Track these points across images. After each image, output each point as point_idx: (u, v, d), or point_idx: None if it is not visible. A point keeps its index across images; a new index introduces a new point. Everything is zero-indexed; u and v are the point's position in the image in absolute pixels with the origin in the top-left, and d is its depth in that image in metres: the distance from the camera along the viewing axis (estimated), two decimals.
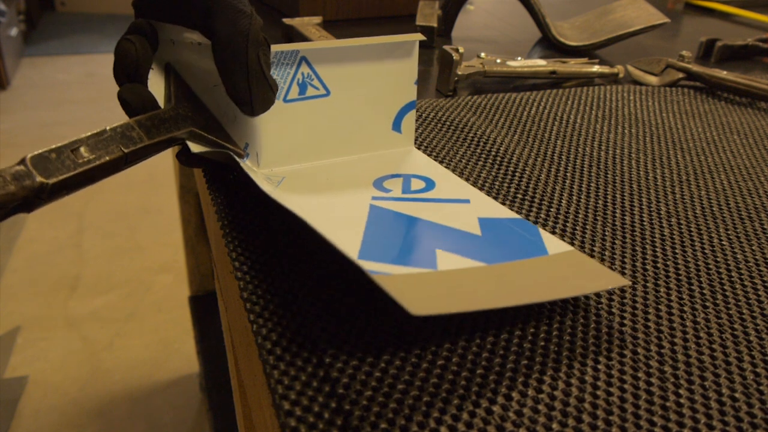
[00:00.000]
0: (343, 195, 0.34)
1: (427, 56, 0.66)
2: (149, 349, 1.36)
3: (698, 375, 0.24)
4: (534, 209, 0.35)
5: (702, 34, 0.73)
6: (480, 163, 0.40)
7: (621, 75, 0.59)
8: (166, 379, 1.29)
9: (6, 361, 1.30)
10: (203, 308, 1.24)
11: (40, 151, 0.27)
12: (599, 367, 0.24)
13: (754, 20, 0.91)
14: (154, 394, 1.26)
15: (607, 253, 0.32)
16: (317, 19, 0.68)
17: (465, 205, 0.33)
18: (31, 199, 0.27)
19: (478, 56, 0.58)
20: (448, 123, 0.46)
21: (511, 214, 0.32)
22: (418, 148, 0.41)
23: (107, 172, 0.30)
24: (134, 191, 1.96)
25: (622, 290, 0.29)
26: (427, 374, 0.23)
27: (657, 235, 0.34)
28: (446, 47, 0.53)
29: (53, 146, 0.28)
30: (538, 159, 0.42)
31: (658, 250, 0.33)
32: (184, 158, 0.34)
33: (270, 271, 0.28)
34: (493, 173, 0.39)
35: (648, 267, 0.31)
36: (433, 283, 0.25)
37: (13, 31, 2.79)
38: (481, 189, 0.37)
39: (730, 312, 0.28)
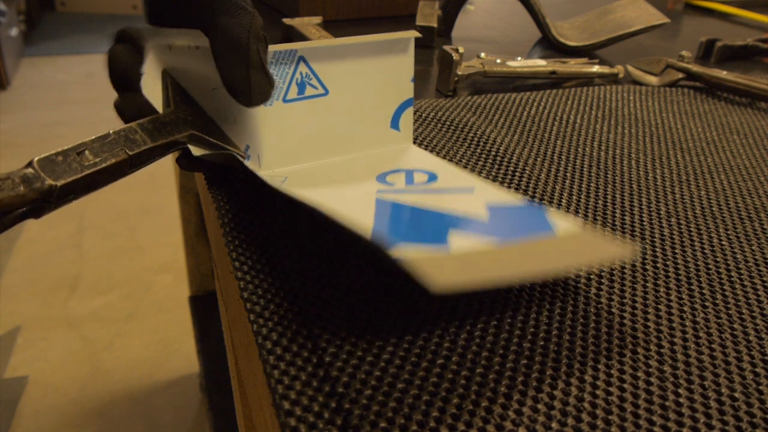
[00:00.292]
0: (347, 189, 0.34)
1: (427, 56, 0.66)
2: (149, 349, 1.36)
3: (698, 375, 0.24)
4: None
5: (702, 34, 0.73)
6: (480, 163, 0.40)
7: (621, 75, 0.59)
8: (166, 379, 1.29)
9: (6, 361, 1.30)
10: (203, 308, 1.24)
11: (46, 154, 0.28)
12: (599, 366, 0.24)
13: (754, 20, 0.91)
14: (154, 394, 1.26)
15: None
16: (317, 19, 0.68)
17: (470, 194, 0.33)
18: (40, 202, 0.27)
19: (478, 56, 0.58)
20: (448, 123, 0.46)
21: (517, 199, 0.33)
22: (418, 147, 0.41)
23: (113, 176, 0.30)
24: (134, 191, 1.96)
25: (622, 290, 0.29)
26: (427, 373, 0.23)
27: (657, 235, 0.34)
28: (446, 47, 0.53)
29: (59, 150, 0.28)
30: (538, 159, 0.42)
31: (657, 250, 0.33)
32: (185, 162, 0.34)
33: (270, 271, 0.28)
34: (493, 173, 0.39)
35: (648, 267, 0.31)
36: (448, 261, 0.25)
37: (13, 31, 2.79)
38: (480, 179, 0.37)
39: (730, 312, 0.28)
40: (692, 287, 0.30)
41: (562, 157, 0.42)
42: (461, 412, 0.22)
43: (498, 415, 0.22)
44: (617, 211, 0.36)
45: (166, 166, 2.00)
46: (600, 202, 0.37)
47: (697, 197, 0.38)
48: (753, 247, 0.33)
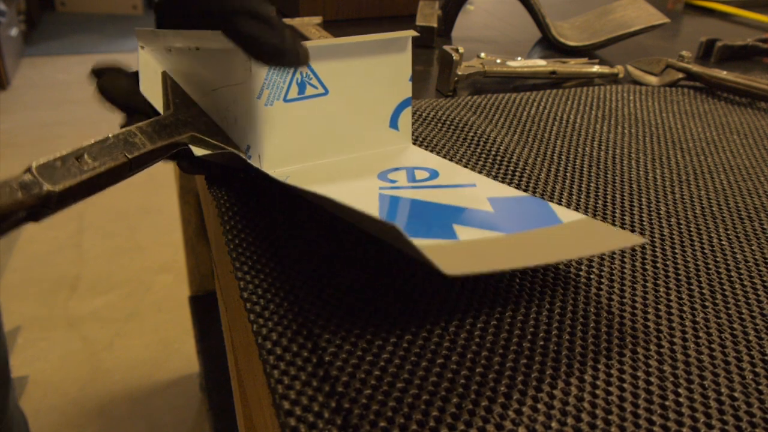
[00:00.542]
0: (350, 186, 0.34)
1: (427, 56, 0.66)
2: (149, 349, 1.36)
3: (697, 374, 0.24)
4: None
5: (702, 34, 0.73)
6: (480, 162, 0.40)
7: (621, 75, 0.59)
8: (166, 379, 1.29)
9: None
10: (203, 308, 1.24)
11: (45, 159, 0.28)
12: (599, 366, 0.24)
13: (754, 20, 0.91)
14: (154, 394, 1.26)
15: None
16: (317, 19, 0.68)
17: (472, 189, 0.34)
18: (39, 208, 0.27)
19: (478, 56, 0.58)
20: (448, 123, 0.46)
21: (520, 193, 0.33)
22: (418, 147, 0.41)
23: (112, 179, 0.30)
24: (134, 191, 1.96)
25: (622, 290, 0.29)
26: (427, 373, 0.23)
27: (657, 235, 0.34)
28: (446, 47, 0.53)
29: (57, 154, 0.28)
30: (538, 159, 0.42)
31: (657, 250, 0.33)
32: (186, 165, 0.34)
33: (270, 271, 0.28)
34: (494, 173, 0.39)
35: (648, 267, 0.31)
36: (459, 249, 0.25)
37: (13, 31, 2.79)
38: (481, 175, 0.37)
39: (730, 312, 0.28)
40: (692, 287, 0.30)
41: (562, 156, 0.42)
42: (461, 411, 0.22)
43: (498, 414, 0.22)
44: (617, 211, 0.36)
45: (165, 167, 2.00)
46: (600, 202, 0.37)
47: (697, 197, 0.38)
48: (753, 247, 0.33)
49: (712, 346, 0.26)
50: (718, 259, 0.32)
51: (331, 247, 0.30)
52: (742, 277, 0.31)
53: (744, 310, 0.28)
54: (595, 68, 0.59)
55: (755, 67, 0.66)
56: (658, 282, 0.30)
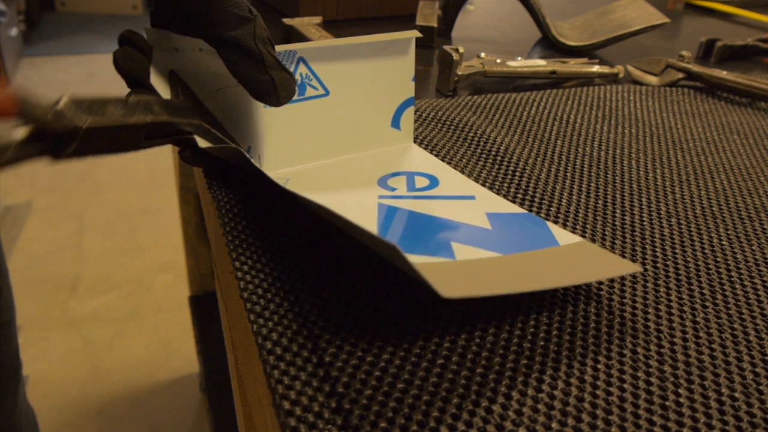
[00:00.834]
0: (349, 194, 0.34)
1: (427, 56, 0.66)
2: (149, 349, 1.36)
3: (698, 375, 0.24)
4: (534, 209, 0.35)
5: (702, 34, 0.73)
6: (480, 162, 0.40)
7: (621, 75, 0.59)
8: (166, 379, 1.29)
9: None
10: (203, 308, 1.24)
11: (76, 96, 0.28)
12: (599, 366, 0.24)
13: (754, 20, 0.91)
14: (154, 394, 1.26)
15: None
16: (317, 19, 0.68)
17: (471, 202, 0.34)
18: (62, 141, 0.27)
19: (478, 56, 0.58)
20: (448, 123, 0.46)
21: (518, 209, 0.33)
22: (419, 146, 0.41)
23: (130, 140, 0.30)
24: (134, 191, 1.96)
25: (622, 290, 0.29)
26: (427, 373, 0.23)
27: (657, 235, 0.34)
28: (446, 47, 0.53)
29: (88, 96, 0.28)
30: (539, 159, 0.42)
31: (658, 250, 0.33)
32: (189, 154, 0.35)
33: (270, 271, 0.28)
34: (494, 173, 0.39)
35: (648, 267, 0.31)
36: (456, 270, 0.25)
37: (13, 31, 2.79)
38: (481, 186, 0.37)
39: (730, 312, 0.28)
40: (692, 287, 0.30)
41: (563, 156, 0.42)
42: (461, 412, 0.22)
43: (498, 415, 0.22)
44: (617, 211, 0.36)
45: (166, 166, 2.00)
46: (600, 202, 0.37)
47: (697, 197, 0.38)
48: (753, 247, 0.33)
49: (713, 346, 0.26)
50: (718, 259, 0.32)
51: (331, 247, 0.30)
52: (742, 277, 0.31)
53: (744, 310, 0.28)
54: (595, 68, 0.59)
55: (755, 67, 0.66)
56: (658, 282, 0.30)
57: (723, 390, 0.24)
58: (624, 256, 0.32)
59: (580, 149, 0.44)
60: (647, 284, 0.30)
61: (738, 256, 0.33)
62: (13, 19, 2.79)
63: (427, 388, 0.23)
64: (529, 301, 0.27)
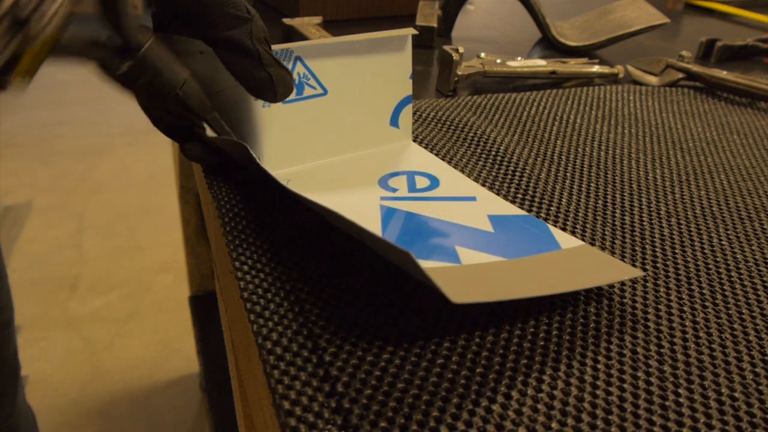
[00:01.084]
0: (351, 195, 0.34)
1: (427, 56, 0.66)
2: (149, 349, 1.36)
3: (698, 375, 0.24)
4: (534, 208, 0.35)
5: (702, 34, 0.73)
6: (480, 162, 0.40)
7: (621, 75, 0.59)
8: (166, 379, 1.29)
9: None
10: (203, 308, 1.24)
11: (144, 24, 0.30)
12: (599, 366, 0.24)
13: (754, 20, 0.91)
14: (154, 394, 1.26)
15: (606, 252, 0.32)
16: (317, 19, 0.68)
17: (472, 203, 0.34)
18: (125, 53, 0.28)
19: (478, 56, 0.58)
20: (448, 123, 0.46)
21: (519, 211, 0.33)
22: (418, 145, 0.41)
23: (164, 91, 0.31)
24: (134, 191, 1.96)
25: (622, 290, 0.29)
26: (427, 373, 0.23)
27: (657, 235, 0.34)
28: (446, 47, 0.53)
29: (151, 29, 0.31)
30: (539, 159, 0.42)
31: (657, 250, 0.33)
32: (193, 148, 0.35)
33: (270, 271, 0.28)
34: (494, 173, 0.39)
35: (648, 267, 0.31)
36: (464, 275, 0.25)
37: None
38: (481, 186, 0.37)
39: (730, 312, 0.28)
40: (692, 287, 0.30)
41: (562, 156, 0.42)
42: (461, 411, 0.22)
43: (498, 414, 0.22)
44: (617, 211, 0.36)
45: (166, 166, 2.00)
46: (600, 202, 0.37)
47: (697, 197, 0.38)
48: (753, 247, 0.33)
49: (713, 346, 0.26)
50: (718, 259, 0.32)
51: (331, 247, 0.30)
52: (742, 277, 0.31)
53: (744, 310, 0.28)
54: (595, 68, 0.59)
55: (755, 67, 0.66)
56: (658, 282, 0.30)
57: (723, 390, 0.24)
58: (624, 256, 0.32)
59: (580, 149, 0.44)
60: (647, 284, 0.30)
61: (738, 256, 0.33)
62: None
63: (427, 388, 0.23)
64: (528, 302, 0.27)
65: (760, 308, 0.28)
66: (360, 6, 0.78)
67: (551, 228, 0.31)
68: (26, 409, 0.73)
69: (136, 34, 0.29)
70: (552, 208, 0.36)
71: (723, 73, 0.57)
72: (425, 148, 0.42)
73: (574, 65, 0.59)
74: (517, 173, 0.39)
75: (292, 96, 0.35)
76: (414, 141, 0.42)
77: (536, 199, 0.36)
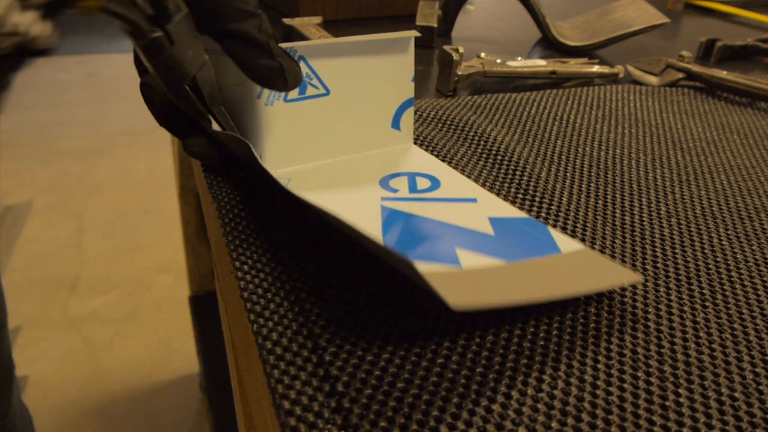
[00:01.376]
0: (352, 195, 0.34)
1: (427, 56, 0.66)
2: (149, 349, 1.36)
3: (698, 375, 0.24)
4: (534, 208, 0.35)
5: (702, 34, 0.73)
6: (481, 162, 0.40)
7: (621, 75, 0.60)
8: (166, 379, 1.29)
9: None
10: (203, 308, 1.24)
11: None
12: (599, 366, 0.24)
13: (754, 20, 0.91)
14: (154, 394, 1.26)
15: (607, 252, 0.32)
16: (317, 19, 0.68)
17: (473, 205, 0.34)
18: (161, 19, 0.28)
19: (478, 56, 0.58)
20: (448, 122, 0.46)
21: (519, 213, 0.33)
22: (419, 147, 0.41)
23: (181, 76, 0.31)
24: (134, 191, 1.96)
25: (622, 290, 0.29)
26: (427, 373, 0.23)
27: (657, 235, 0.34)
28: (446, 47, 0.53)
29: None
30: (539, 158, 0.42)
31: (657, 250, 0.33)
32: (198, 142, 0.35)
33: (270, 271, 0.28)
34: (494, 173, 0.39)
35: (648, 267, 0.31)
36: (464, 279, 0.25)
37: None
38: (482, 188, 0.37)
39: (730, 312, 0.28)
40: (692, 287, 0.30)
41: (563, 156, 0.42)
42: (461, 411, 0.22)
43: (498, 414, 0.22)
44: (617, 211, 0.36)
45: (166, 166, 2.00)
46: (600, 202, 0.37)
47: (697, 197, 0.38)
48: (753, 247, 0.33)
49: (713, 346, 0.26)
50: (718, 259, 0.32)
51: (331, 247, 0.30)
52: (742, 277, 0.31)
53: (744, 310, 0.28)
54: (595, 68, 0.59)
55: (755, 67, 0.66)
56: (658, 282, 0.30)
57: (723, 390, 0.24)
58: (624, 256, 0.32)
59: (580, 149, 0.44)
60: (647, 284, 0.30)
61: (738, 256, 0.33)
62: None
63: (427, 388, 0.23)
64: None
65: (760, 308, 0.29)
66: (360, 6, 0.78)
67: (551, 231, 0.31)
68: (22, 408, 0.73)
69: (169, 3, 0.29)
70: (552, 208, 0.36)
71: (723, 73, 0.57)
72: (425, 147, 0.42)
73: (574, 65, 0.59)
74: (517, 173, 0.39)
75: (295, 95, 0.35)
76: (415, 141, 0.42)
77: (536, 199, 0.36)
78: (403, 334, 0.25)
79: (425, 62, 0.63)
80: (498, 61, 0.57)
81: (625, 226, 0.35)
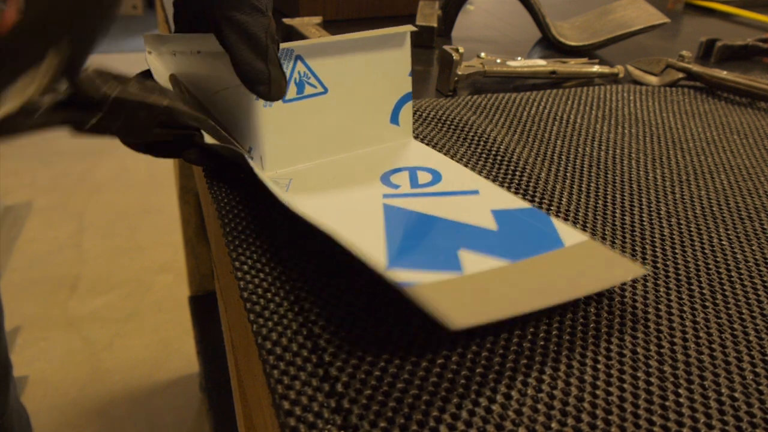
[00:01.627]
0: (353, 194, 0.34)
1: (427, 56, 0.66)
2: (149, 349, 1.36)
3: (698, 375, 0.24)
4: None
5: (702, 34, 0.73)
6: (481, 162, 0.40)
7: (621, 75, 0.59)
8: (166, 379, 1.29)
9: None
10: (203, 308, 1.24)
11: (99, 68, 0.28)
12: (599, 366, 0.24)
13: (754, 20, 0.91)
14: (154, 394, 1.26)
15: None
16: (317, 19, 0.68)
17: (475, 197, 0.33)
18: (91, 107, 0.27)
19: (478, 56, 0.58)
20: (448, 122, 0.46)
21: (522, 204, 0.33)
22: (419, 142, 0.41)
23: (146, 121, 0.30)
24: (134, 191, 1.96)
25: (622, 290, 0.29)
26: (427, 373, 0.23)
27: (657, 235, 0.34)
28: (446, 47, 0.53)
29: (111, 70, 0.28)
30: (539, 158, 0.42)
31: (657, 250, 0.33)
32: (194, 153, 0.35)
33: (270, 271, 0.28)
34: (494, 172, 0.39)
35: (648, 267, 0.31)
36: (465, 291, 0.25)
37: None
38: (483, 178, 0.37)
39: (730, 312, 0.28)
40: (692, 287, 0.30)
41: (563, 156, 0.42)
42: (461, 411, 0.22)
43: (498, 414, 0.22)
44: (617, 211, 0.36)
45: (166, 166, 2.00)
46: (600, 202, 0.37)
47: (697, 197, 0.38)
48: (753, 247, 0.33)
49: (713, 346, 0.26)
50: (718, 259, 0.32)
51: (331, 247, 0.30)
52: (742, 277, 0.31)
53: (744, 310, 0.28)
54: (595, 68, 0.59)
55: (755, 67, 0.66)
56: (658, 282, 0.30)
57: (723, 390, 0.24)
58: (624, 256, 0.32)
59: (580, 149, 0.44)
60: (647, 284, 0.30)
61: (738, 256, 0.33)
62: None
63: (427, 388, 0.23)
64: None
65: (760, 308, 0.28)
66: (360, 6, 0.78)
67: (554, 221, 0.31)
68: (19, 408, 0.73)
69: (96, 87, 0.28)
70: (552, 208, 0.35)
71: (723, 73, 0.56)
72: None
73: (574, 65, 0.59)
74: (517, 173, 0.39)
75: (293, 95, 0.35)
76: (412, 133, 0.42)
77: (536, 199, 0.36)
78: (403, 334, 0.25)
79: (425, 62, 0.63)
80: (498, 61, 0.57)
81: (625, 226, 0.35)
